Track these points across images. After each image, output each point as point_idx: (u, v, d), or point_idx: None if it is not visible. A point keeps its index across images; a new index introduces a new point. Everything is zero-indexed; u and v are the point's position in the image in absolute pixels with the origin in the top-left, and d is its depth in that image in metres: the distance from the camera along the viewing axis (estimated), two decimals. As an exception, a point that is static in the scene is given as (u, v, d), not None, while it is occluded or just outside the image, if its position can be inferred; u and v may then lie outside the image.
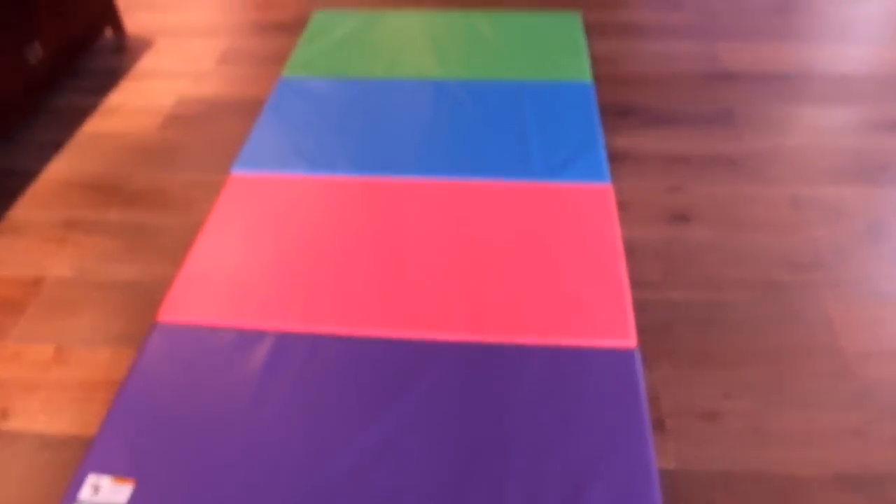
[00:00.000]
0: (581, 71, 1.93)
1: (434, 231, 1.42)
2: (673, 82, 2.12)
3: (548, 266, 1.34)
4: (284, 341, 1.20)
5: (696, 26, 2.41)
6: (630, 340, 1.19)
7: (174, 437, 1.06)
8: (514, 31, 2.13)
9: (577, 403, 1.09)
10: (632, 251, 1.55)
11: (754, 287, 1.45)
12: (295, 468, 1.02)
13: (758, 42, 2.32)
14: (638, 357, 1.17)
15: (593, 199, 1.49)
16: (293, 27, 2.47)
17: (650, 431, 1.05)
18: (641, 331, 1.36)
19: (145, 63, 2.29)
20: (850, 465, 1.14)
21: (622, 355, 1.16)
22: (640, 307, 1.41)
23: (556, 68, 1.95)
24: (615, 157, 1.83)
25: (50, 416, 1.25)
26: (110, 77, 2.22)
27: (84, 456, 1.04)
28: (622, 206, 1.67)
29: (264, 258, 1.37)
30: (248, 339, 1.21)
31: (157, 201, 1.73)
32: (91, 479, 1.01)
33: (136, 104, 2.09)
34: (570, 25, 2.16)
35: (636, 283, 1.46)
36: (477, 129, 1.71)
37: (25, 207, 1.73)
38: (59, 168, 1.86)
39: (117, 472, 1.02)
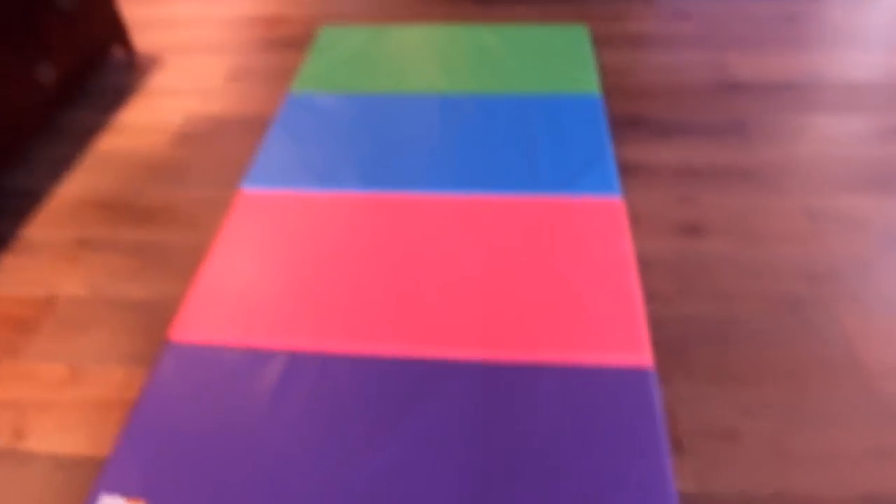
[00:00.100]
0: (589, 83, 1.93)
1: (444, 246, 1.42)
2: (682, 93, 2.11)
3: (559, 282, 1.32)
4: (296, 360, 1.20)
5: (705, 36, 2.40)
6: (646, 358, 1.17)
7: (186, 457, 1.06)
8: (521, 44, 2.13)
9: (592, 424, 1.07)
10: (644, 265, 1.53)
11: (771, 300, 1.43)
12: (307, 490, 1.01)
13: (767, 51, 2.30)
14: (654, 376, 1.15)
15: (604, 212, 1.48)
16: (300, 43, 2.49)
17: (668, 452, 1.03)
18: (656, 346, 1.35)
19: (154, 81, 2.31)
20: (876, 485, 1.11)
21: (638, 374, 1.15)
22: (654, 322, 1.40)
23: (564, 81, 1.94)
24: (625, 170, 1.81)
25: (63, 435, 1.25)
26: (120, 95, 2.24)
27: (97, 476, 1.04)
28: (634, 219, 1.66)
29: (274, 275, 1.37)
30: (259, 358, 1.20)
31: (168, 218, 1.74)
32: (104, 500, 1.01)
33: (145, 122, 2.11)
34: (577, 37, 2.15)
35: (650, 298, 1.45)
36: (485, 143, 1.71)
37: (38, 226, 1.74)
38: (71, 186, 1.87)
39: (130, 493, 1.01)
